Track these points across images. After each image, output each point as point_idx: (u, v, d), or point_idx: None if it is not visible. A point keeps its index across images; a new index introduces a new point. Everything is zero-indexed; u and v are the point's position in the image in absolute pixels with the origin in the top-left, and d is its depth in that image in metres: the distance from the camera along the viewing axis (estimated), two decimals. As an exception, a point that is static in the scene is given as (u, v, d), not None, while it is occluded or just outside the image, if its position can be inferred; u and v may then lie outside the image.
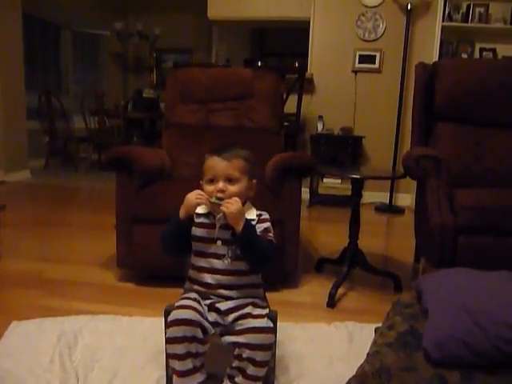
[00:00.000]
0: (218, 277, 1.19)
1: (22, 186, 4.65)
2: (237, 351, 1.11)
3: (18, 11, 4.78)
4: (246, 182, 1.21)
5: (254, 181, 1.25)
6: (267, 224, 1.23)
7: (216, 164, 1.18)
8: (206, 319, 1.15)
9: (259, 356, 1.10)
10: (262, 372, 1.12)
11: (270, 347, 1.13)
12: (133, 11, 7.08)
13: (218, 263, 1.19)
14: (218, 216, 1.19)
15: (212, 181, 1.19)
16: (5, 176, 4.56)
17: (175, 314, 1.11)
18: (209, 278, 1.19)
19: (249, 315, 1.15)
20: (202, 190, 1.21)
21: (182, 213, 1.20)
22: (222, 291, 1.19)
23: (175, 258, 1.30)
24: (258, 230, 1.20)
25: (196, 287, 1.22)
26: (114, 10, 6.87)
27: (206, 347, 1.13)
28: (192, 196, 1.18)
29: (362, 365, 1.11)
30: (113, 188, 2.07)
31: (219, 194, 1.17)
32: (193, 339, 1.09)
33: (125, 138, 5.55)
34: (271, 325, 1.15)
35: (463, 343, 0.98)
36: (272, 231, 1.24)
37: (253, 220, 1.21)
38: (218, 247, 1.19)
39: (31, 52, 5.84)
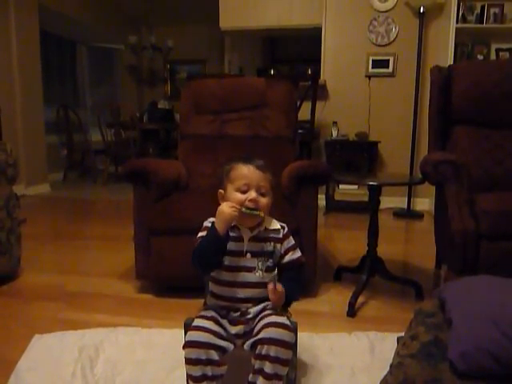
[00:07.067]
0: (249, 290, 1.17)
1: (41, 199, 4.74)
2: (257, 350, 1.07)
3: (36, 28, 4.91)
4: (271, 196, 1.20)
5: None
6: (292, 240, 1.25)
7: (251, 173, 1.16)
8: (226, 336, 1.14)
9: (278, 352, 1.05)
10: (282, 370, 1.07)
11: (290, 346, 1.08)
12: (146, 25, 7.20)
13: (249, 276, 1.17)
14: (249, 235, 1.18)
15: (243, 190, 1.16)
16: (25, 190, 4.65)
17: (189, 336, 1.09)
18: (239, 293, 1.17)
19: (271, 314, 1.14)
20: (223, 198, 1.20)
21: (222, 227, 1.12)
22: (252, 304, 1.18)
23: (205, 273, 1.24)
24: (287, 257, 1.23)
25: (223, 303, 1.19)
26: (127, 24, 7.00)
27: (223, 369, 1.11)
28: (227, 209, 1.11)
29: (385, 377, 1.08)
30: (130, 199, 2.09)
31: (250, 204, 1.14)
32: (208, 362, 1.07)
33: (141, 149, 5.61)
34: (291, 324, 1.13)
35: (489, 354, 0.95)
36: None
37: (277, 230, 1.22)
38: (248, 260, 1.18)
39: (48, 67, 5.98)
